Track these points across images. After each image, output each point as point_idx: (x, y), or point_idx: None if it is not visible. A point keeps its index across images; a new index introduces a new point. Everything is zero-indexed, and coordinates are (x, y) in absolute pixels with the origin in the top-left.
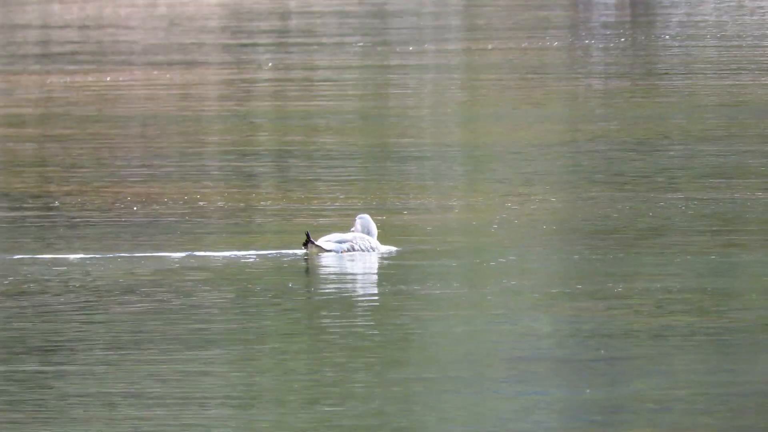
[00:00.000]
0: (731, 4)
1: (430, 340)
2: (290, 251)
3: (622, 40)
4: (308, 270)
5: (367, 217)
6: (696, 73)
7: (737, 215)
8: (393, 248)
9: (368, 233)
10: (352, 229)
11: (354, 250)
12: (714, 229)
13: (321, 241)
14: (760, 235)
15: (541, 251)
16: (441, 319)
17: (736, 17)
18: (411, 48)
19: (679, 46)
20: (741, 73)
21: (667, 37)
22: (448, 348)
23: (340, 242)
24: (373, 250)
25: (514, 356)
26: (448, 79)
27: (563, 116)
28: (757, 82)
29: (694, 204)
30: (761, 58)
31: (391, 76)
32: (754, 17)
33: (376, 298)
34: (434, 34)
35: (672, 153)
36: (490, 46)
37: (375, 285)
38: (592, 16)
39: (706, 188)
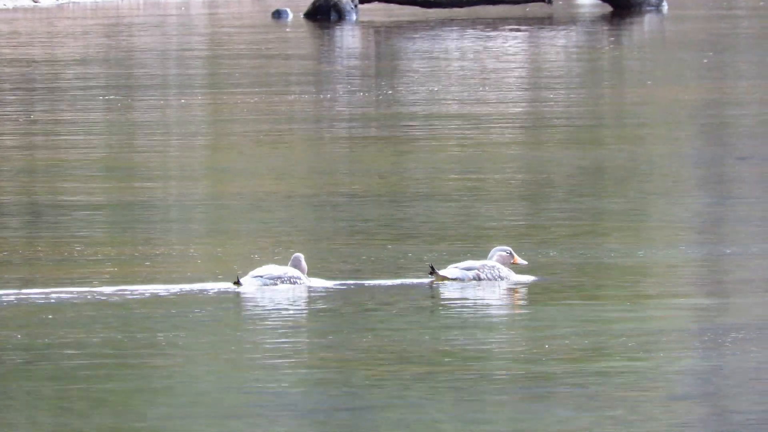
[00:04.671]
0: (475, 51)
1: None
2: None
3: (367, 90)
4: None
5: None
6: (438, 125)
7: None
8: (529, 278)
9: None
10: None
11: (480, 279)
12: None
13: (448, 269)
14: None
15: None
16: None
17: (479, 66)
18: (156, 98)
19: (423, 97)
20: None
21: (411, 87)
22: None
23: (467, 269)
24: (502, 280)
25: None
26: (193, 131)
27: (308, 167)
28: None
29: (435, 254)
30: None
31: (135, 126)
32: (493, 76)
33: None
34: (180, 85)
35: (414, 207)
36: (236, 97)
37: None
38: (337, 67)
39: (442, 241)
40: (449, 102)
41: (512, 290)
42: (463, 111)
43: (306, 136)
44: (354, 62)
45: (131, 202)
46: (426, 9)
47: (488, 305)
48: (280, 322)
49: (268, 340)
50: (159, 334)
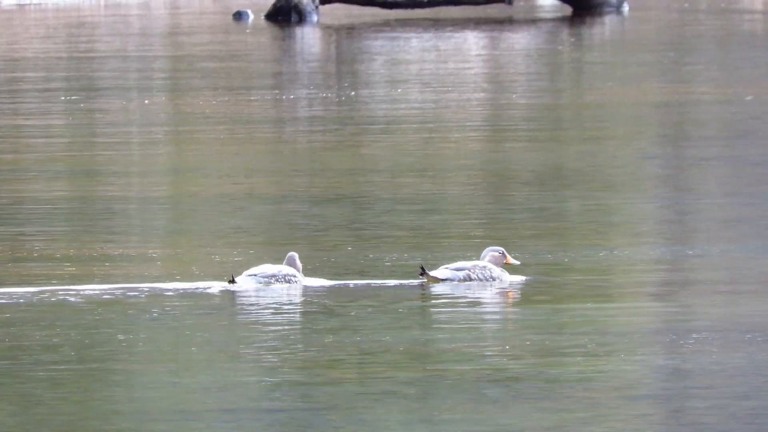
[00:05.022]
0: (433, 61)
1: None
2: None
3: (329, 92)
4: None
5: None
6: (398, 129)
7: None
8: (522, 278)
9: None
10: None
11: (471, 279)
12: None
13: (439, 270)
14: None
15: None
16: None
17: (439, 72)
18: (117, 99)
19: (383, 99)
20: (438, 129)
21: (371, 90)
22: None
23: (458, 270)
24: (494, 280)
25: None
26: (155, 131)
27: (269, 169)
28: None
29: (394, 259)
30: (451, 115)
31: (97, 126)
32: (452, 76)
33: None
34: (140, 86)
35: (377, 208)
36: (197, 99)
37: None
38: (298, 69)
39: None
40: (410, 103)
41: (483, 291)
42: (424, 112)
43: (267, 137)
44: (315, 63)
45: (92, 203)
46: (387, 10)
47: (454, 306)
48: (242, 322)
49: (229, 340)
50: (119, 335)
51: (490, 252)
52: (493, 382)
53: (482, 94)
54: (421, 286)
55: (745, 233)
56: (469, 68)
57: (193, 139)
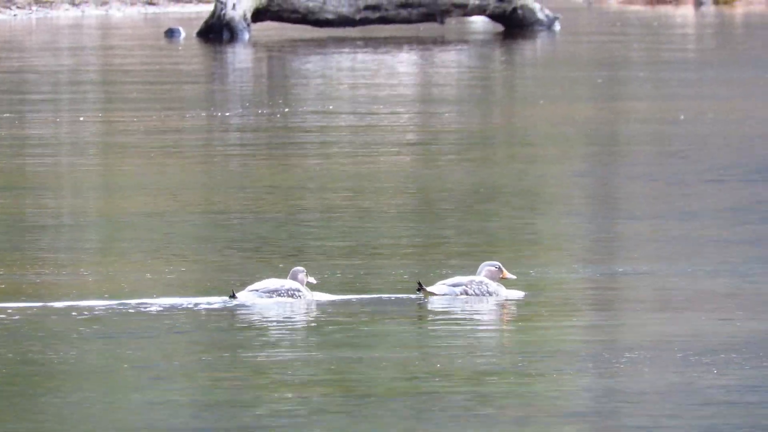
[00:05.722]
0: (368, 79)
1: None
2: None
3: (260, 109)
4: None
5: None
6: (329, 147)
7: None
8: (520, 293)
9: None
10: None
11: (468, 294)
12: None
13: (436, 286)
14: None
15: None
16: None
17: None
18: (49, 116)
19: (316, 115)
20: (371, 148)
21: (304, 106)
22: None
23: (455, 285)
24: (490, 295)
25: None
26: (86, 148)
27: (202, 185)
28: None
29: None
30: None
31: (27, 144)
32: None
33: None
34: (72, 104)
35: (306, 224)
36: (128, 116)
37: None
38: (230, 86)
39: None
40: (342, 120)
41: (415, 309)
42: (355, 129)
43: (199, 154)
44: (247, 81)
45: (20, 219)
46: (318, 28)
47: (388, 323)
48: (171, 340)
49: (160, 359)
50: (48, 353)
51: (486, 267)
52: (422, 401)
53: (413, 113)
54: (419, 301)
55: (675, 252)
56: (400, 87)
57: (124, 155)
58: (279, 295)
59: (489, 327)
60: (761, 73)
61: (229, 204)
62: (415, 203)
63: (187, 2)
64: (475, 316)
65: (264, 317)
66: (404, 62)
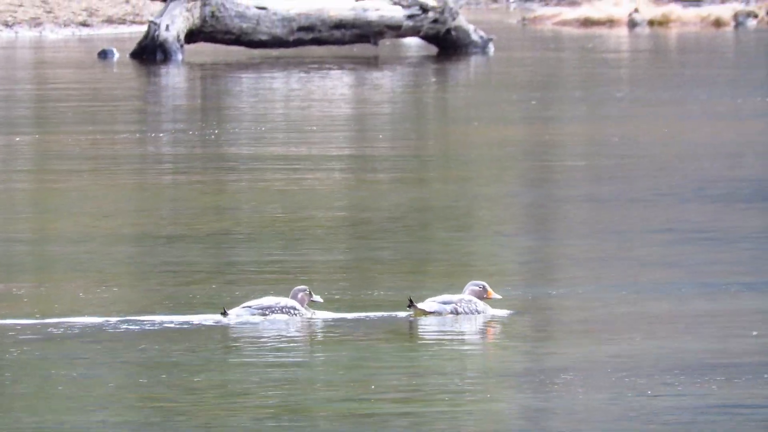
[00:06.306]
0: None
1: None
2: None
3: (193, 130)
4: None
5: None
6: (262, 167)
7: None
8: (506, 311)
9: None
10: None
11: (458, 312)
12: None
13: (426, 303)
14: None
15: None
16: None
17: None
18: None
19: (249, 136)
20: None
21: (237, 127)
22: None
23: (445, 303)
24: (479, 313)
25: None
26: (17, 169)
27: (134, 207)
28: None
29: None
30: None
31: None
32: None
33: None
34: (3, 126)
35: (238, 247)
36: (60, 137)
37: None
38: (163, 107)
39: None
40: (275, 142)
41: (355, 328)
42: (288, 151)
43: (131, 175)
44: (180, 102)
45: None
46: (252, 49)
47: (321, 343)
48: (103, 360)
49: (88, 380)
50: None
51: (471, 286)
52: (354, 422)
53: (347, 133)
54: (409, 318)
55: (608, 273)
56: (334, 107)
57: (56, 176)
58: (273, 312)
59: (417, 346)
60: (695, 95)
61: (161, 224)
62: (347, 224)
63: (120, 23)
64: (407, 335)
65: (204, 336)
66: (338, 83)
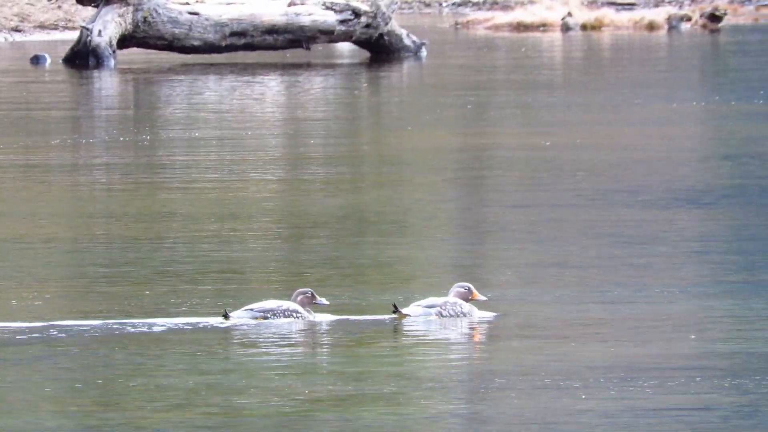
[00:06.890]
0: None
1: None
2: None
3: (126, 136)
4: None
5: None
6: (196, 173)
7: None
8: (491, 314)
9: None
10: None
11: (443, 315)
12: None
13: (411, 308)
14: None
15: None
16: None
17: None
18: None
19: (182, 142)
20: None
21: (170, 132)
22: None
23: (429, 306)
24: (464, 316)
25: None
26: None
27: (67, 212)
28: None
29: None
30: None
31: None
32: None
33: None
34: None
35: (174, 252)
36: None
37: None
38: (95, 113)
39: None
40: (208, 148)
41: (310, 332)
42: (222, 157)
43: (64, 181)
44: (112, 108)
45: None
46: (184, 55)
47: (269, 348)
48: (39, 367)
49: (30, 385)
50: None
51: (456, 288)
52: (288, 428)
53: (280, 139)
54: (394, 323)
55: (543, 278)
56: (267, 112)
57: None
58: (274, 315)
59: (354, 352)
60: (628, 98)
61: (94, 231)
62: (280, 230)
63: (53, 29)
64: (344, 340)
65: (153, 338)
66: (271, 88)
